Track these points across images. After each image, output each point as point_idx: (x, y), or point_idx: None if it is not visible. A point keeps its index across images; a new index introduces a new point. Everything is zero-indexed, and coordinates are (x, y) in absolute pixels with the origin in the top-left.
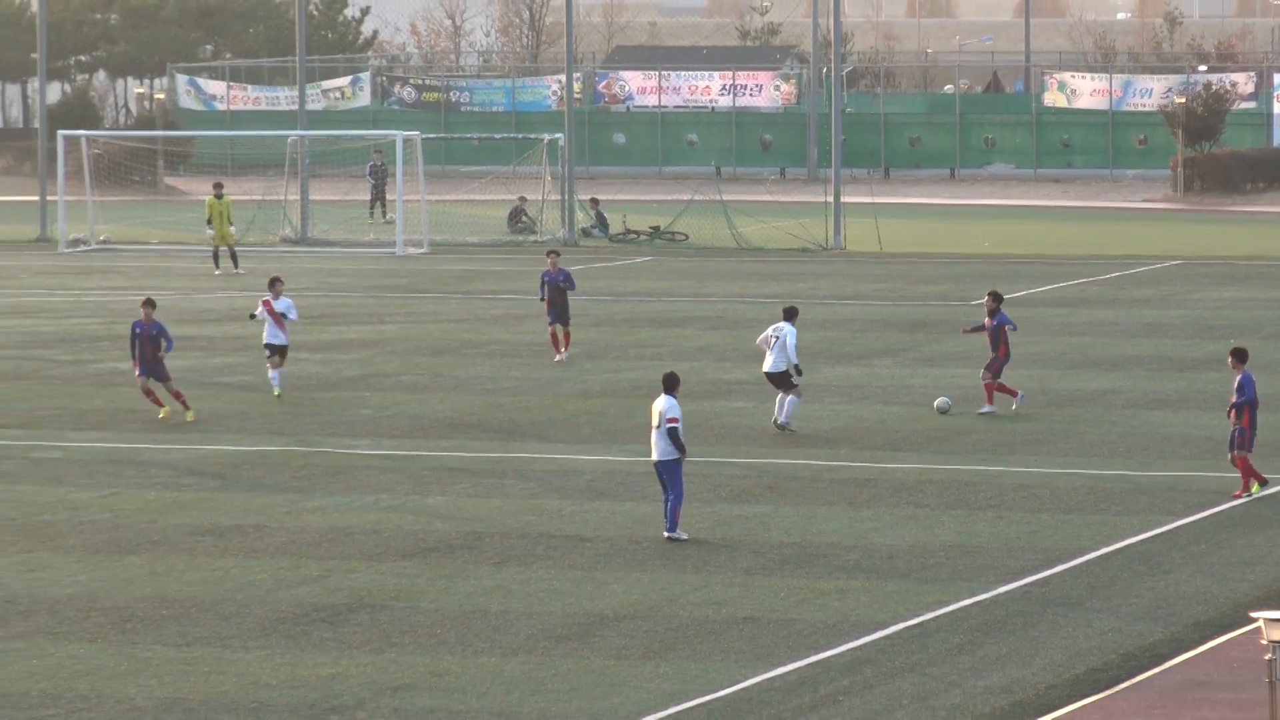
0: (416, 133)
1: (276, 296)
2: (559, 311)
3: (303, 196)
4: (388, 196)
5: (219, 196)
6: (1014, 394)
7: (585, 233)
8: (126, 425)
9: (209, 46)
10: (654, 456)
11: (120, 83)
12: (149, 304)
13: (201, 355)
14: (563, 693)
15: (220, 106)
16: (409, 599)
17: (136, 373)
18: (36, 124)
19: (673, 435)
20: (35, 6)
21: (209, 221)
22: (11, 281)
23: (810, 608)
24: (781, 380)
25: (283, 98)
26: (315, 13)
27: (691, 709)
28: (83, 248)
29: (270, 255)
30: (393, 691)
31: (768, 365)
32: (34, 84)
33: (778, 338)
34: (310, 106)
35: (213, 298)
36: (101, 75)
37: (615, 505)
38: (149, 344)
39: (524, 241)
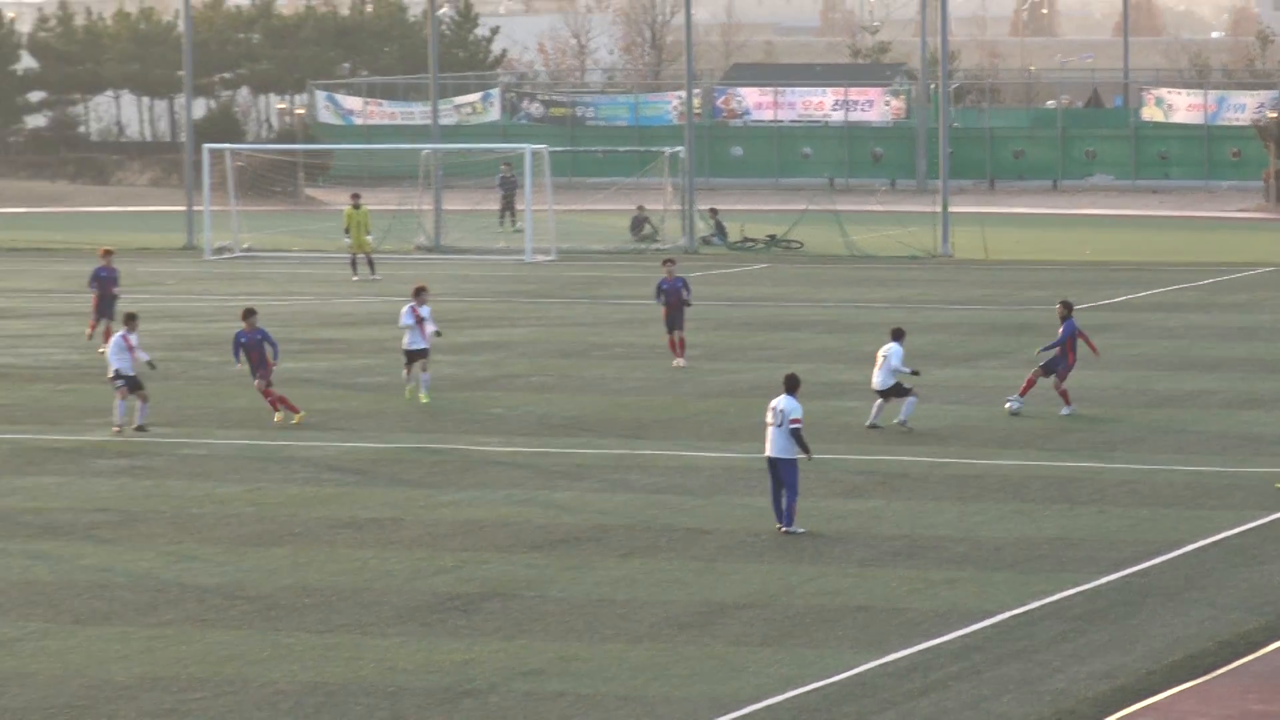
0: (544, 146)
1: (422, 304)
2: (675, 318)
3: (436, 206)
4: (517, 206)
5: (356, 207)
6: (1021, 397)
7: (705, 241)
8: (270, 423)
9: (346, 64)
10: (770, 453)
11: (262, 99)
12: (250, 313)
13: (341, 357)
14: (685, 678)
15: (358, 121)
16: (539, 588)
17: (255, 382)
18: (184, 138)
19: (796, 436)
20: (182, 27)
21: (347, 230)
22: (160, 287)
23: (921, 597)
24: (888, 395)
25: (417, 113)
26: (447, 33)
27: (807, 693)
28: (227, 255)
29: (405, 262)
30: (523, 676)
31: (876, 384)
32: (181, 100)
33: (885, 358)
34: (443, 121)
35: (350, 303)
36: (245, 91)
37: (734, 500)
38: (255, 351)
39: (646, 249)
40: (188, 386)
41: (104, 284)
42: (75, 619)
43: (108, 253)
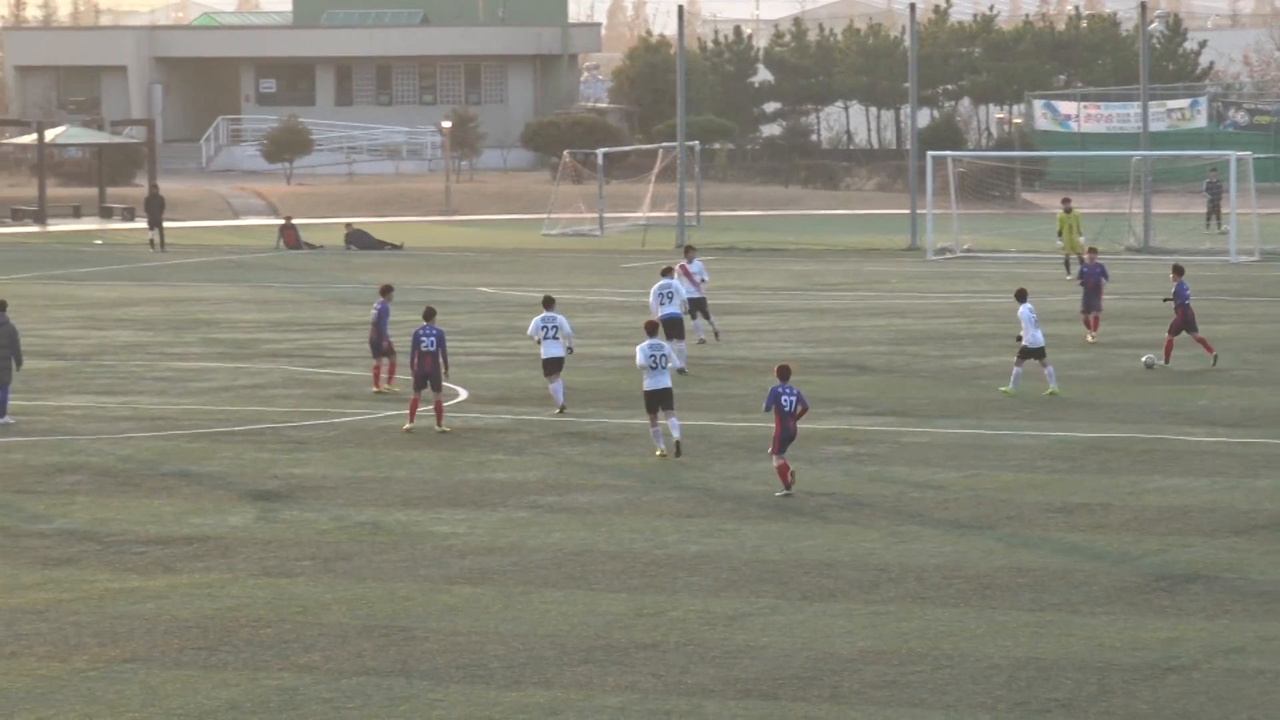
0: (1248, 153)
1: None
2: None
3: (1145, 209)
4: (1222, 210)
5: (1068, 210)
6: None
7: None
8: (988, 413)
9: (1061, 76)
10: None
11: (982, 108)
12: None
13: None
14: None
15: (1074, 127)
16: (1240, 571)
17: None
18: (909, 146)
19: None
20: (908, 42)
21: (1059, 233)
22: (884, 286)
23: None
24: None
25: (1131, 115)
26: (1157, 46)
27: None
28: (947, 255)
29: (1116, 262)
30: (1225, 654)
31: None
32: (906, 110)
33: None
34: (1154, 126)
35: (1065, 300)
36: (965, 102)
37: None
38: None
39: None
40: (910, 379)
41: (1087, 277)
42: (803, 595)
43: (1093, 250)
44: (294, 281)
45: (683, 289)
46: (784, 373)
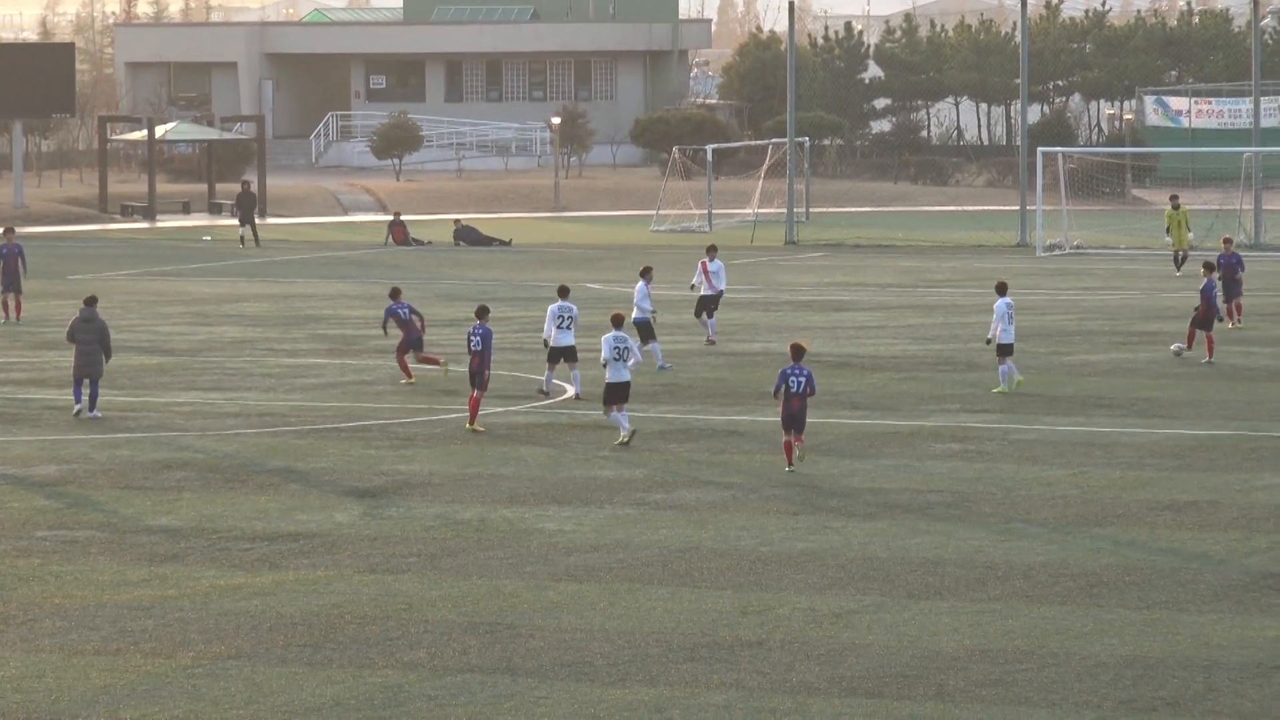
0: None
1: None
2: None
3: (1255, 206)
4: None
5: (1176, 207)
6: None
7: None
8: (1096, 411)
9: (1173, 72)
10: None
11: (1093, 104)
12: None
13: (1163, 349)
14: None
15: (1184, 123)
16: None
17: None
18: (1018, 142)
19: None
20: (1019, 38)
21: (1167, 230)
22: (993, 282)
23: None
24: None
25: (1243, 110)
26: (1269, 41)
27: None
28: (1057, 252)
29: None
30: None
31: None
32: (1017, 106)
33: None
34: (1265, 122)
35: (1174, 297)
36: (1076, 98)
37: None
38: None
39: None
40: (1041, 376)
41: (1224, 267)
42: (909, 593)
43: (1228, 240)
44: (402, 277)
45: (648, 295)
46: (796, 353)
